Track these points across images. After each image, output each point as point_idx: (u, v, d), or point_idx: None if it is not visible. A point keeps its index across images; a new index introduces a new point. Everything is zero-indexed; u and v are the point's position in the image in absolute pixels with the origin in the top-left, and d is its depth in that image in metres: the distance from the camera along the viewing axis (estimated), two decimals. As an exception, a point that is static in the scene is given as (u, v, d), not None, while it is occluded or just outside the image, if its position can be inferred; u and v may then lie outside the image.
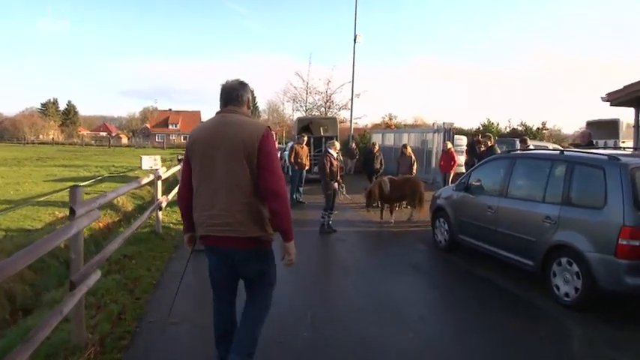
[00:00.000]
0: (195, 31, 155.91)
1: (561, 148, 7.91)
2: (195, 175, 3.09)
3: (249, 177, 2.97)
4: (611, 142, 16.32)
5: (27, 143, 66.33)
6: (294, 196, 12.91)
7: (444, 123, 18.74)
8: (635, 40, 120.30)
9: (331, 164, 9.12)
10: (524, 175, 6.43)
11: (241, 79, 3.27)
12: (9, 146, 56.64)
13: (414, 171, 12.81)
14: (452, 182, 14.43)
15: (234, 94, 3.16)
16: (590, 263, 4.96)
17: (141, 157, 8.24)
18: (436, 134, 19.18)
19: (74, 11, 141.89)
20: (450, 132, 18.27)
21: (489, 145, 10.44)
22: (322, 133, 21.36)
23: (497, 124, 34.57)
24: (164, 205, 8.46)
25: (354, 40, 26.82)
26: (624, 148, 7.82)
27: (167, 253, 7.30)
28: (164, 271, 6.42)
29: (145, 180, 7.32)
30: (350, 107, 28.17)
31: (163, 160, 25.57)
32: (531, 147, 10.79)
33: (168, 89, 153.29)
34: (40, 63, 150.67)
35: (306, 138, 13.39)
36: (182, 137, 78.64)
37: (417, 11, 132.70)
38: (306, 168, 13.43)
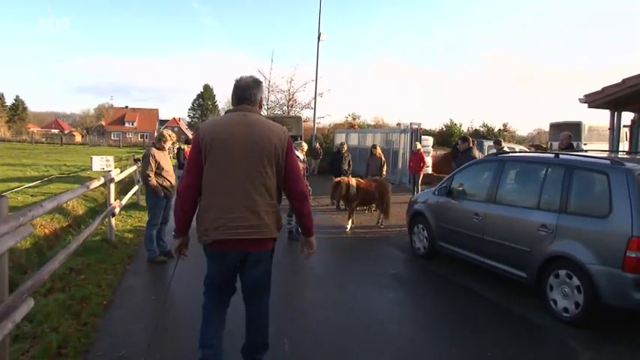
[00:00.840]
0: (152, 28, 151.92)
1: (527, 150, 7.58)
2: (212, 175, 2.98)
3: (274, 178, 3.03)
4: (574, 144, 16.45)
5: (-31, 140, 62.51)
6: None
7: (410, 123, 18.43)
8: (597, 51, 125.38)
9: None
10: (516, 180, 6.01)
11: (256, 77, 3.23)
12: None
13: (384, 172, 12.36)
14: (421, 184, 14.25)
15: (247, 93, 3.13)
16: (593, 277, 4.54)
17: (91, 158, 7.28)
18: (403, 134, 18.87)
19: (24, 2, 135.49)
20: (417, 132, 17.98)
21: (468, 146, 10.04)
22: (286, 133, 20.72)
23: (460, 125, 34.86)
24: (117, 210, 7.63)
25: (318, 37, 26.31)
26: (587, 150, 7.51)
27: (121, 264, 6.49)
28: (117, 287, 5.63)
29: (95, 184, 6.50)
30: (313, 106, 27.72)
31: (118, 160, 24.54)
32: (506, 149, 10.52)
33: (125, 86, 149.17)
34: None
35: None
36: (139, 135, 76.38)
37: (383, 12, 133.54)
38: None
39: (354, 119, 33.52)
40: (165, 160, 6.73)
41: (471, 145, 10.08)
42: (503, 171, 5.99)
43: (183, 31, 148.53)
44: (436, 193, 7.29)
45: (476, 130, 35.99)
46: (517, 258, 5.45)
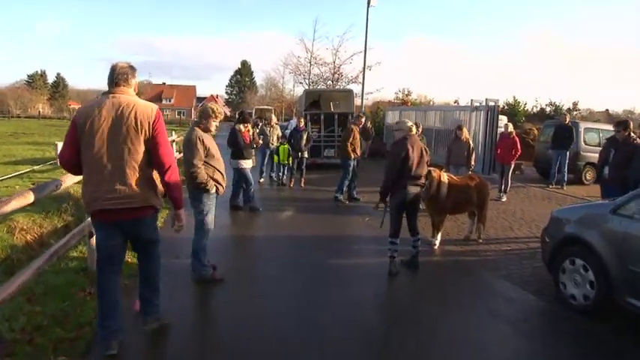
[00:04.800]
0: (190, 6, 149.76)
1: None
2: (86, 153, 3.29)
3: (142, 152, 3.33)
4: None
5: (12, 117, 62.41)
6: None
7: (486, 99, 15.17)
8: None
9: None
10: None
11: (132, 64, 3.51)
12: (-10, 120, 52.98)
13: (473, 163, 9.34)
14: (511, 178, 11.18)
15: (121, 77, 3.40)
16: None
17: (55, 145, 4.46)
18: (475, 113, 15.63)
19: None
20: (495, 111, 14.73)
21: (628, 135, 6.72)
22: (333, 109, 17.85)
23: (525, 104, 31.12)
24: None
25: (368, 2, 23.14)
26: None
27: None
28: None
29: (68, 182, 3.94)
30: (361, 81, 24.65)
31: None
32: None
33: (163, 64, 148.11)
34: (29, 35, 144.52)
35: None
36: (176, 112, 75.21)
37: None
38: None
39: (407, 95, 30.11)
40: (213, 144, 5.12)
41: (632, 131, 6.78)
42: None
43: (219, 9, 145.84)
44: (621, 212, 4.33)
45: (542, 109, 32.17)
46: None
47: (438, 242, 6.81)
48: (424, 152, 5.70)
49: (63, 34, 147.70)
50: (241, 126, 8.95)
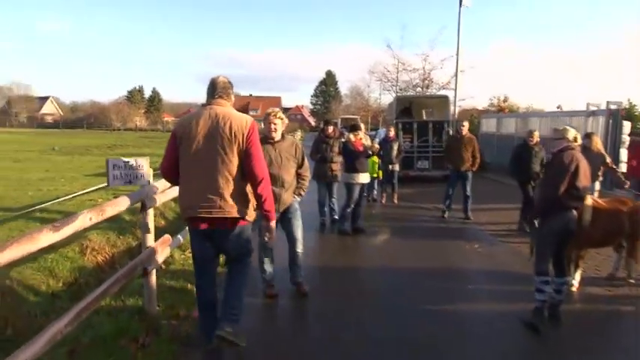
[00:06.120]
0: (276, 20, 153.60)
1: None
2: (183, 163, 3.43)
3: (236, 163, 3.33)
4: None
5: (113, 130, 66.83)
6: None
7: (608, 102, 13.08)
8: None
9: None
10: None
11: (229, 79, 3.53)
12: (94, 133, 57.02)
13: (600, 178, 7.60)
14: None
15: (220, 90, 3.45)
16: None
17: (107, 162, 3.70)
18: (592, 119, 13.56)
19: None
20: (618, 116, 12.63)
21: None
22: (425, 117, 16.48)
23: (641, 107, 27.58)
24: (162, 259, 4.17)
25: (460, 2, 21.50)
26: None
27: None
28: None
29: (96, 216, 3.05)
30: (453, 87, 23.00)
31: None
32: None
33: (249, 77, 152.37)
34: (131, 51, 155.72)
35: None
36: (262, 123, 76.52)
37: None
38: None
39: (504, 101, 27.79)
40: (278, 155, 4.69)
41: None
42: None
43: (303, 21, 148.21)
44: None
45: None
46: None
47: (577, 282, 5.33)
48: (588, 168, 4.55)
49: (160, 52, 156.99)
50: (351, 135, 7.89)
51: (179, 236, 5.36)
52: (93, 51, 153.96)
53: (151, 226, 4.09)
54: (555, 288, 4.39)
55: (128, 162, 3.84)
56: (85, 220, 2.90)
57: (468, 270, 6.06)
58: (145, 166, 3.90)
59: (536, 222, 4.59)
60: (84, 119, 75.64)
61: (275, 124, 4.76)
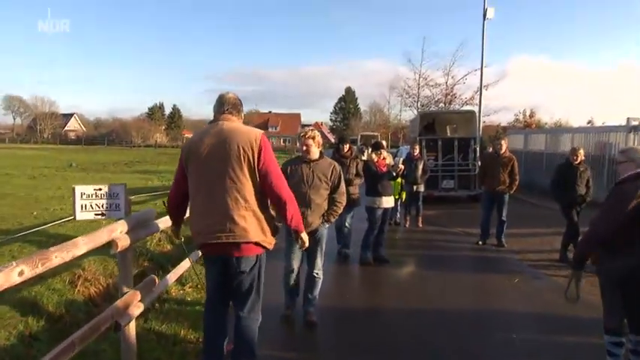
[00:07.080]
0: (295, 39, 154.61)
1: None
2: (191, 184, 3.21)
3: (248, 183, 3.05)
4: None
5: (133, 146, 67.24)
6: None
7: (651, 116, 12.12)
8: None
9: None
10: None
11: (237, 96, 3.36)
12: (114, 150, 57.33)
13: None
14: None
15: (228, 105, 3.25)
16: None
17: (73, 190, 2.99)
18: (633, 134, 12.58)
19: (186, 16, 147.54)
20: (663, 131, 11.63)
21: None
22: (450, 134, 15.65)
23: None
24: (137, 312, 3.40)
25: (484, 15, 20.75)
26: None
27: None
28: None
29: (30, 269, 2.31)
30: (478, 102, 22.17)
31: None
32: None
33: (268, 93, 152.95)
34: (152, 67, 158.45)
35: None
36: (281, 140, 76.64)
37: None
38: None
39: (530, 117, 26.67)
40: (311, 173, 4.51)
41: None
42: None
43: (323, 39, 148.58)
44: None
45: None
46: None
47: None
48: None
49: (183, 67, 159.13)
50: (373, 154, 7.16)
51: (171, 273, 4.61)
52: (120, 65, 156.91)
53: (129, 269, 3.33)
54: (632, 348, 3.49)
55: (100, 189, 3.10)
56: (11, 275, 2.11)
57: (510, 313, 5.14)
58: (121, 194, 3.15)
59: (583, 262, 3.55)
60: (105, 136, 76.51)
61: (308, 145, 4.53)
